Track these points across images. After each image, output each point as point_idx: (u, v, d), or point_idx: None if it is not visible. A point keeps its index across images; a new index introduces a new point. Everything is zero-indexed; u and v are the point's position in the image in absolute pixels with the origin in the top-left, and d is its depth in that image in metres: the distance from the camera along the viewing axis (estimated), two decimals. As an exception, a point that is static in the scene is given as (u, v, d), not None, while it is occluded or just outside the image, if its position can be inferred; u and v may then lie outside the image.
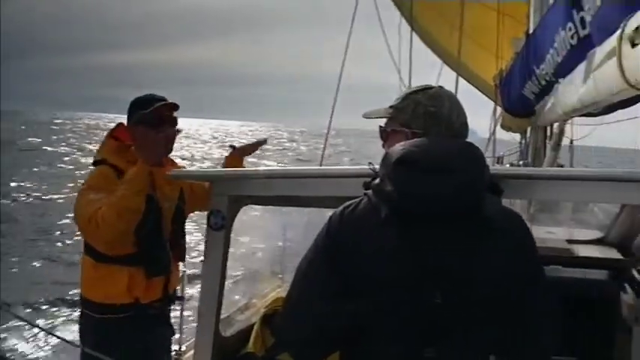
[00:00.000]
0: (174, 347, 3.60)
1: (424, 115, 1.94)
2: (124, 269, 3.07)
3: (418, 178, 1.72)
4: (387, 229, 1.76)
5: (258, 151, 3.67)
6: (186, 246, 3.40)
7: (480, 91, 9.41)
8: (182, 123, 3.29)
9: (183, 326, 3.81)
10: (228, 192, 2.57)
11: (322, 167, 2.89)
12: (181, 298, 3.54)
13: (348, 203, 1.90)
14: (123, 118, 3.25)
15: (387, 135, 2.05)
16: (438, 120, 1.93)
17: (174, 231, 3.25)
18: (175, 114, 3.21)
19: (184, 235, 3.39)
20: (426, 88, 2.02)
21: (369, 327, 1.80)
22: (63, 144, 51.16)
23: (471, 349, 1.79)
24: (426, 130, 1.92)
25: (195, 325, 2.64)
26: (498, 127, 6.77)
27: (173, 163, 3.38)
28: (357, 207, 1.86)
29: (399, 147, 1.81)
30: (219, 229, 2.57)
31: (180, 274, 3.50)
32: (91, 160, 3.43)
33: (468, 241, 1.75)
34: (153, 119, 3.09)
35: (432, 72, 8.83)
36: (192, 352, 2.94)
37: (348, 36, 7.00)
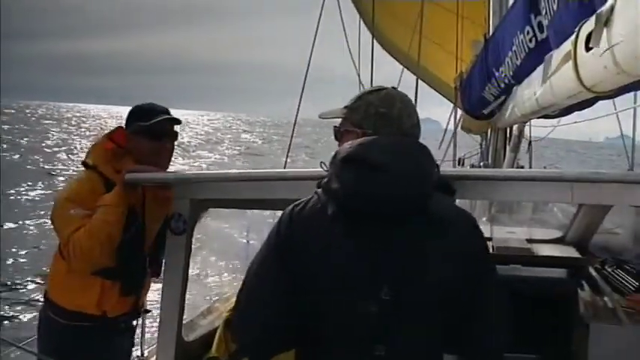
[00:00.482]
0: (137, 353, 3.54)
1: (375, 116, 1.95)
2: (97, 281, 2.96)
3: (365, 177, 1.73)
4: (335, 227, 1.77)
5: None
6: None
7: (440, 93, 9.49)
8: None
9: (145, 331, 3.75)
10: (190, 195, 2.54)
11: (284, 170, 2.88)
12: (148, 311, 3.47)
13: (297, 202, 1.91)
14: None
15: (341, 135, 2.06)
16: (389, 121, 1.94)
17: (156, 248, 3.12)
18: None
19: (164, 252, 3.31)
20: (379, 89, 2.03)
21: (318, 326, 1.81)
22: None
23: (421, 347, 1.81)
24: (376, 130, 1.93)
25: (157, 329, 2.61)
26: (459, 129, 6.83)
27: None
28: (306, 205, 1.87)
29: (346, 145, 1.84)
30: (181, 233, 2.54)
31: None
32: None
33: (418, 241, 1.77)
34: (152, 132, 3.02)
35: (395, 72, 8.86)
36: (154, 357, 2.90)
37: (315, 31, 6.97)
